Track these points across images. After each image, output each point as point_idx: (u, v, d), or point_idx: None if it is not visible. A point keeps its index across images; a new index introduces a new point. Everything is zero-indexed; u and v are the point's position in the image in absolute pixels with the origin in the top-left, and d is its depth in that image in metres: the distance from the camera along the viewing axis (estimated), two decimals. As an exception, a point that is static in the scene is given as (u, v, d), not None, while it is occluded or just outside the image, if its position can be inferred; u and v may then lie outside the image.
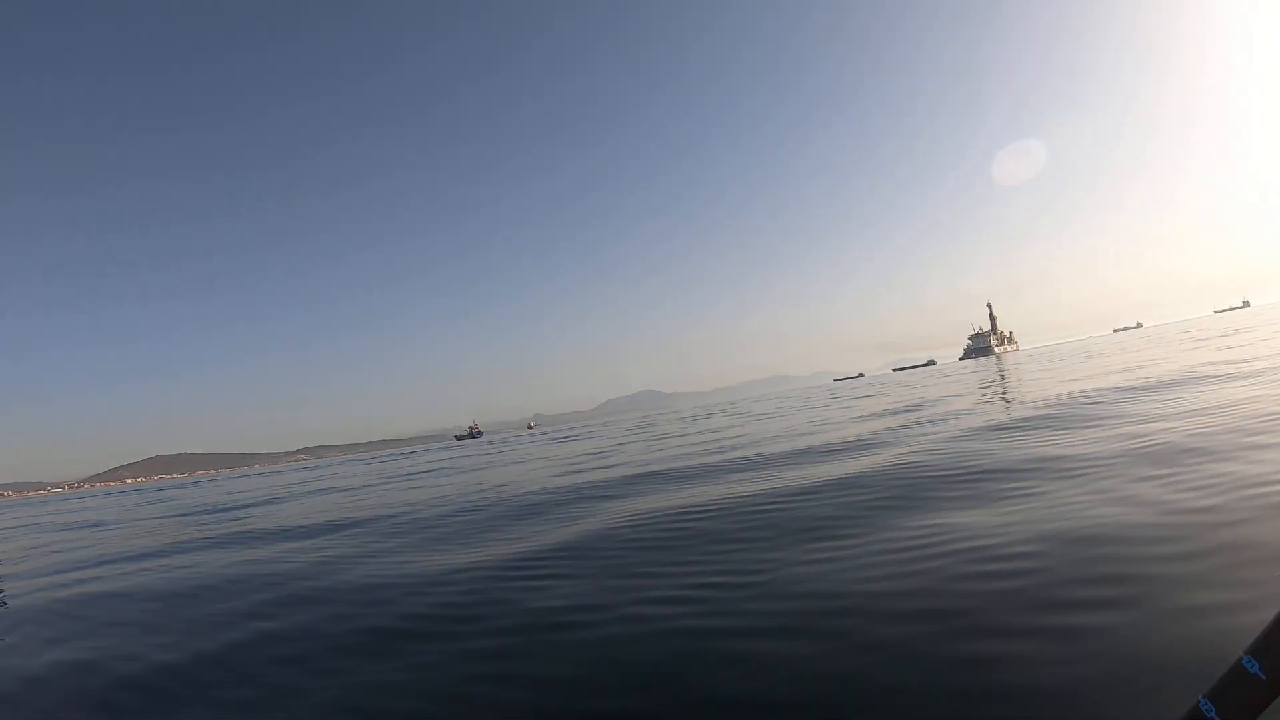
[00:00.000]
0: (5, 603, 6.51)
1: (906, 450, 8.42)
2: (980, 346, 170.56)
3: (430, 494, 12.30)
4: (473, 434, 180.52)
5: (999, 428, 9.60)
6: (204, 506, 18.28)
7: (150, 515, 17.79)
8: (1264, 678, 0.58)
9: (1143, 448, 6.33)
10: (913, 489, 5.89)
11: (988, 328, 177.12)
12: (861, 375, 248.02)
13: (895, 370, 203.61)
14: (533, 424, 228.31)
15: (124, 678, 3.65)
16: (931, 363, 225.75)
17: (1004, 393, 17.69)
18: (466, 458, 27.92)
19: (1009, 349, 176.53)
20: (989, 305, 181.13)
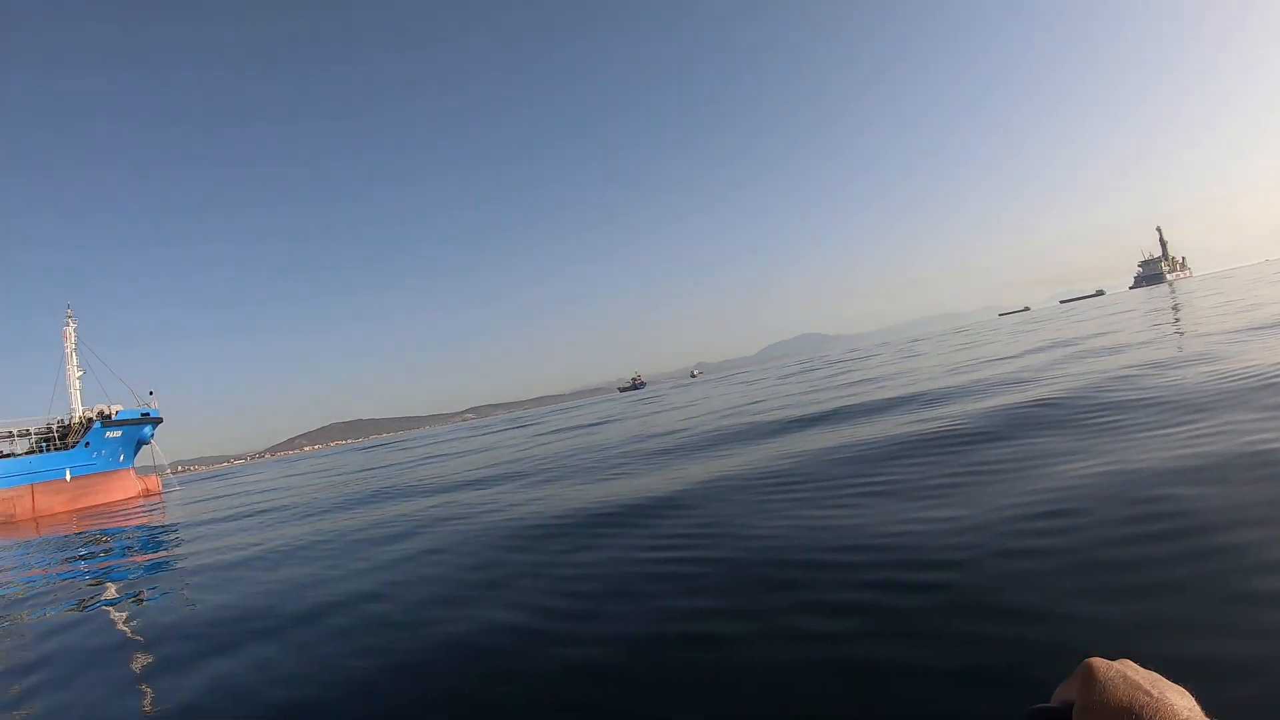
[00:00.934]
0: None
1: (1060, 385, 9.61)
2: (1151, 274, 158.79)
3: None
4: (635, 385, 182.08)
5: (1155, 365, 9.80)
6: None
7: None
8: None
9: None
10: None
11: (1159, 254, 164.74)
12: (1027, 309, 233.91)
13: (1062, 303, 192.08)
14: (696, 372, 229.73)
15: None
16: (1100, 293, 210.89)
17: (1173, 325, 17.54)
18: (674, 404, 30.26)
19: (1182, 276, 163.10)
20: (1159, 230, 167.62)
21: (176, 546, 10.60)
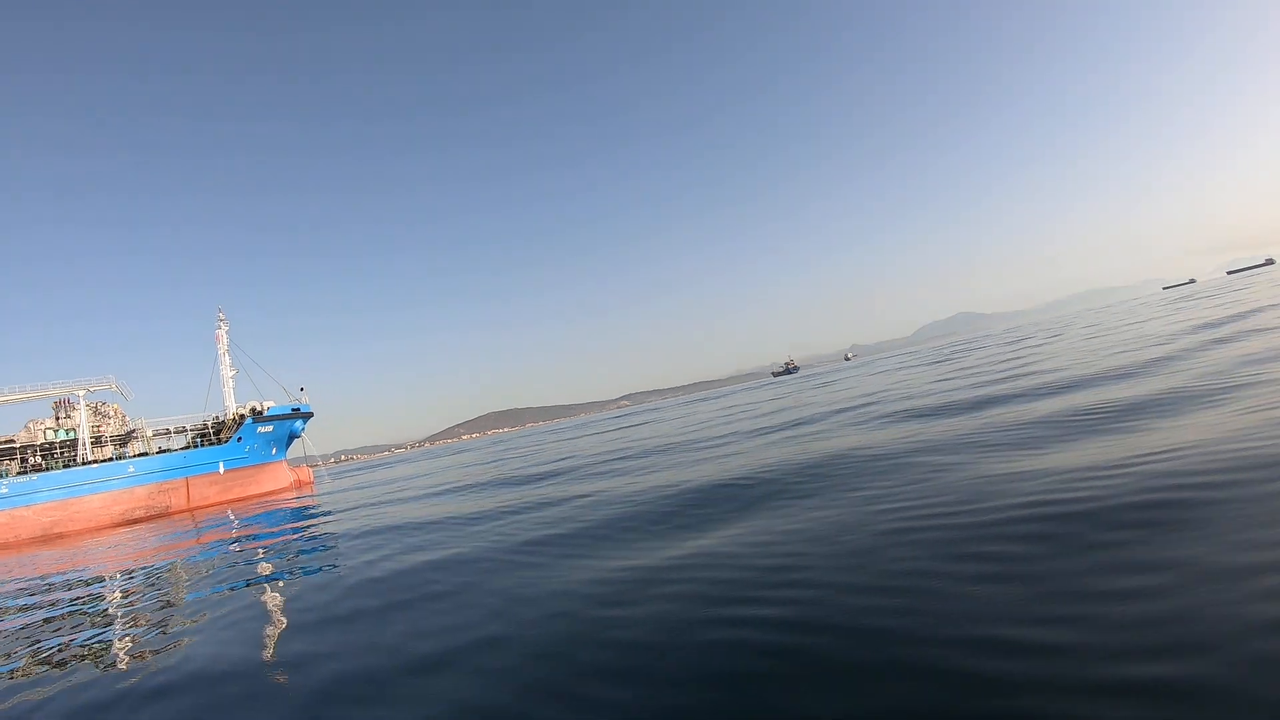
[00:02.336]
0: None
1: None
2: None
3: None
4: (789, 369, 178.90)
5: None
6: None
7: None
8: None
9: None
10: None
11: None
12: (1193, 281, 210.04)
13: (1229, 273, 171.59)
14: (850, 355, 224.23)
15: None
16: (1270, 262, 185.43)
17: None
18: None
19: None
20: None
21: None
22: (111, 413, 45.69)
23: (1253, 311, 18.56)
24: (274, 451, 44.59)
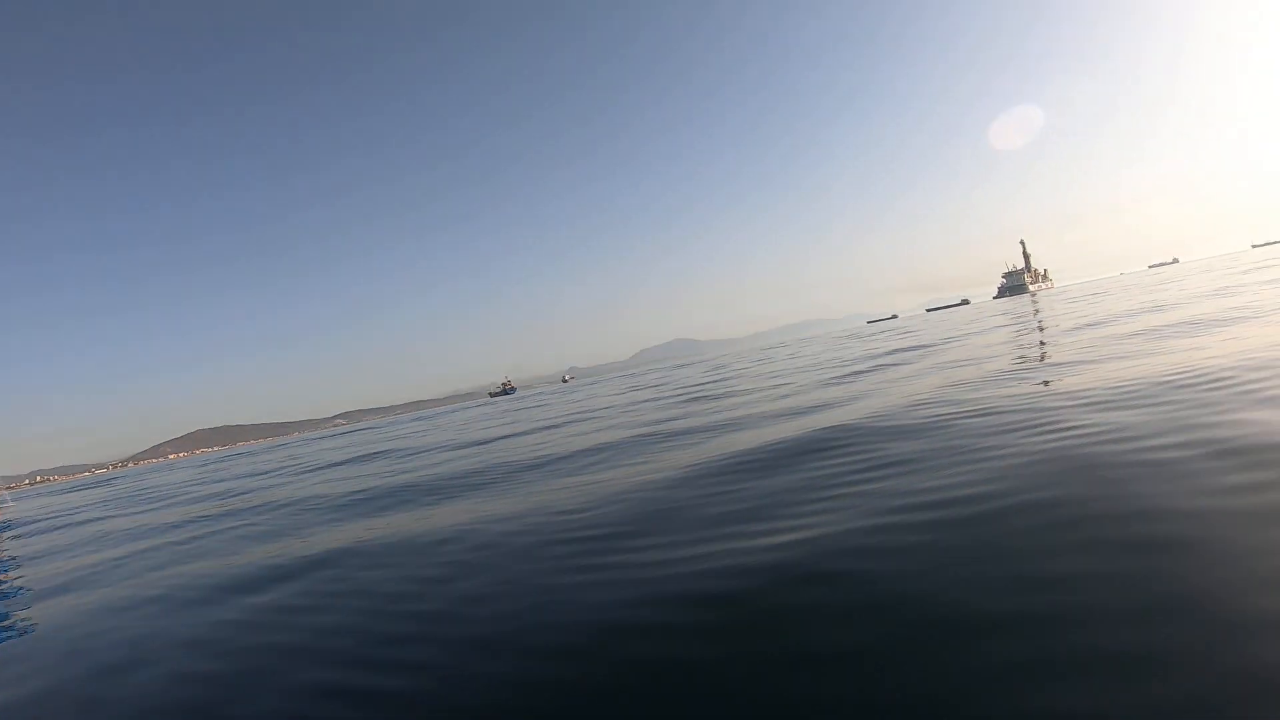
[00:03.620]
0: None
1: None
2: (1014, 285, 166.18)
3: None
4: (506, 391, 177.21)
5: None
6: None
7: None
8: None
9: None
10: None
11: (1022, 265, 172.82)
12: (895, 316, 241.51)
13: (929, 311, 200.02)
14: (568, 377, 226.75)
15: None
16: (965, 302, 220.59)
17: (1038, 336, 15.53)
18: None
19: (1044, 286, 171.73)
20: (1022, 243, 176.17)
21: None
22: None
23: (938, 342, 18.77)
24: None
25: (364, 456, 15.32)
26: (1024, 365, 8.49)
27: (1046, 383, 6.69)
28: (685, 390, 16.93)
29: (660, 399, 15.42)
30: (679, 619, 2.46)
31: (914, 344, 19.31)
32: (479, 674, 2.33)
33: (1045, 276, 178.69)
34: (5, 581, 6.62)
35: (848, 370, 13.39)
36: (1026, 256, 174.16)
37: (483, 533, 4.44)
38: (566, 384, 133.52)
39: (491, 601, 3.05)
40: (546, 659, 2.32)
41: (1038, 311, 26.02)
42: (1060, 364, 8.03)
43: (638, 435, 8.57)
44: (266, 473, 16.48)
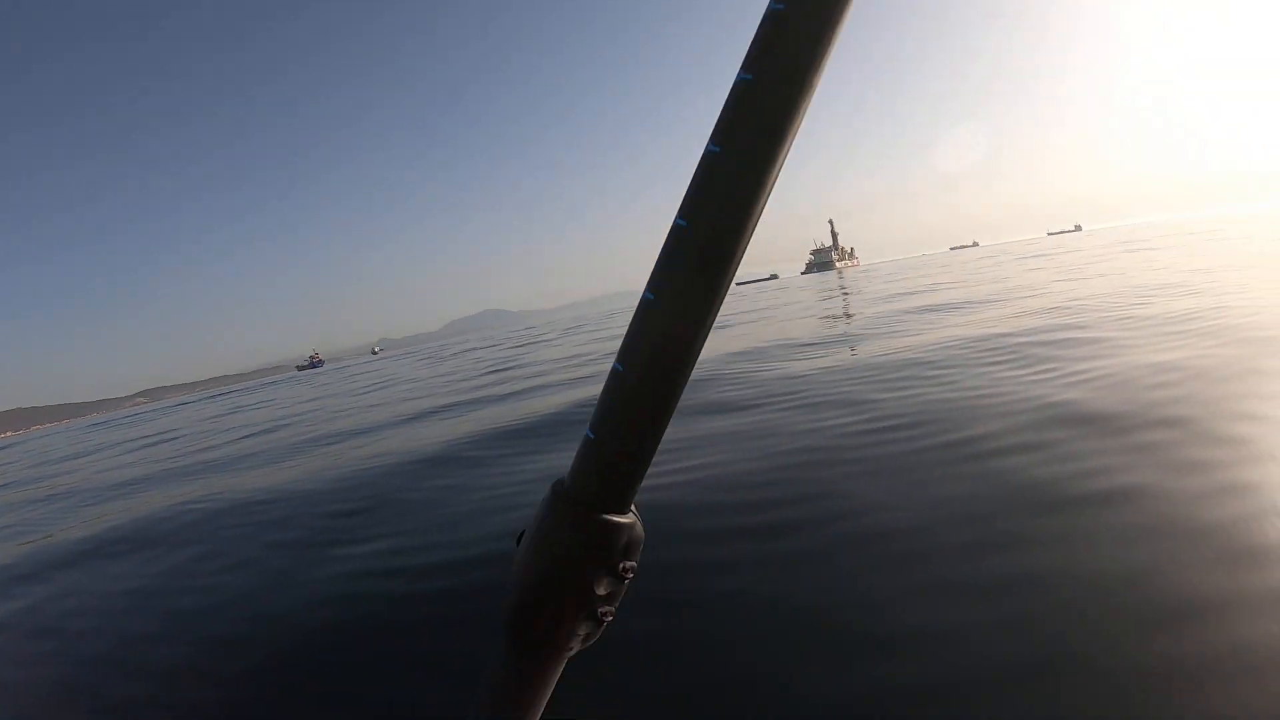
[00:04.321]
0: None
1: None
2: (822, 261, 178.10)
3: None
4: (314, 364, 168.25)
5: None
6: None
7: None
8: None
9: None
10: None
11: (829, 243, 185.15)
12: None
13: (738, 285, 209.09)
14: (377, 349, 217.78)
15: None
16: (774, 277, 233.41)
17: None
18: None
19: (850, 264, 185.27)
20: (830, 222, 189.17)
21: None
22: None
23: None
24: None
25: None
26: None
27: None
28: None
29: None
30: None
31: None
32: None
33: (851, 254, 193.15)
34: None
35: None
36: (835, 235, 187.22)
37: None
38: (376, 355, 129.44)
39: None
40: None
41: (844, 291, 28.44)
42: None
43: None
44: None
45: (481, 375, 14.23)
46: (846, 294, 23.11)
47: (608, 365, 0.48)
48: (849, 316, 13.33)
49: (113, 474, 10.04)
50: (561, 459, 4.50)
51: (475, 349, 33.54)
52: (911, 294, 16.38)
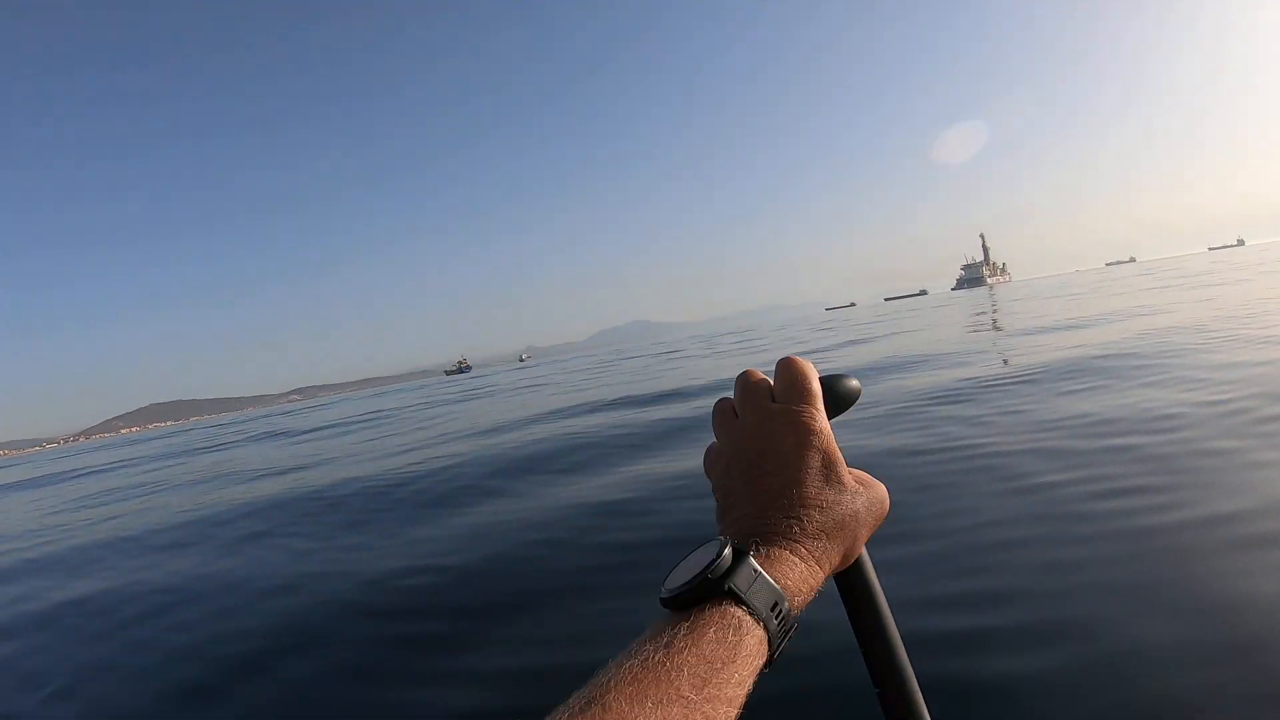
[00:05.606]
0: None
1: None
2: (973, 277, 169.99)
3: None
4: (461, 369, 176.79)
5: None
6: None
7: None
8: None
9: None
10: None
11: (980, 258, 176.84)
12: (854, 305, 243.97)
13: (887, 300, 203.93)
14: (525, 356, 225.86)
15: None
16: (923, 293, 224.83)
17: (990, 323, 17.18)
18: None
19: (1001, 280, 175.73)
20: (981, 236, 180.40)
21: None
22: None
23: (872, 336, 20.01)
24: None
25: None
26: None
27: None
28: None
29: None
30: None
31: (829, 343, 20.29)
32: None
33: (1003, 270, 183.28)
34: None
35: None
36: (986, 250, 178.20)
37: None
38: (523, 363, 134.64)
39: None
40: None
41: (994, 309, 26.91)
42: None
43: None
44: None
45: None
46: (997, 315, 21.47)
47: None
48: (1002, 349, 11.72)
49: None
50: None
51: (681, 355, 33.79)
52: (1080, 324, 13.86)
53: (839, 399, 0.65)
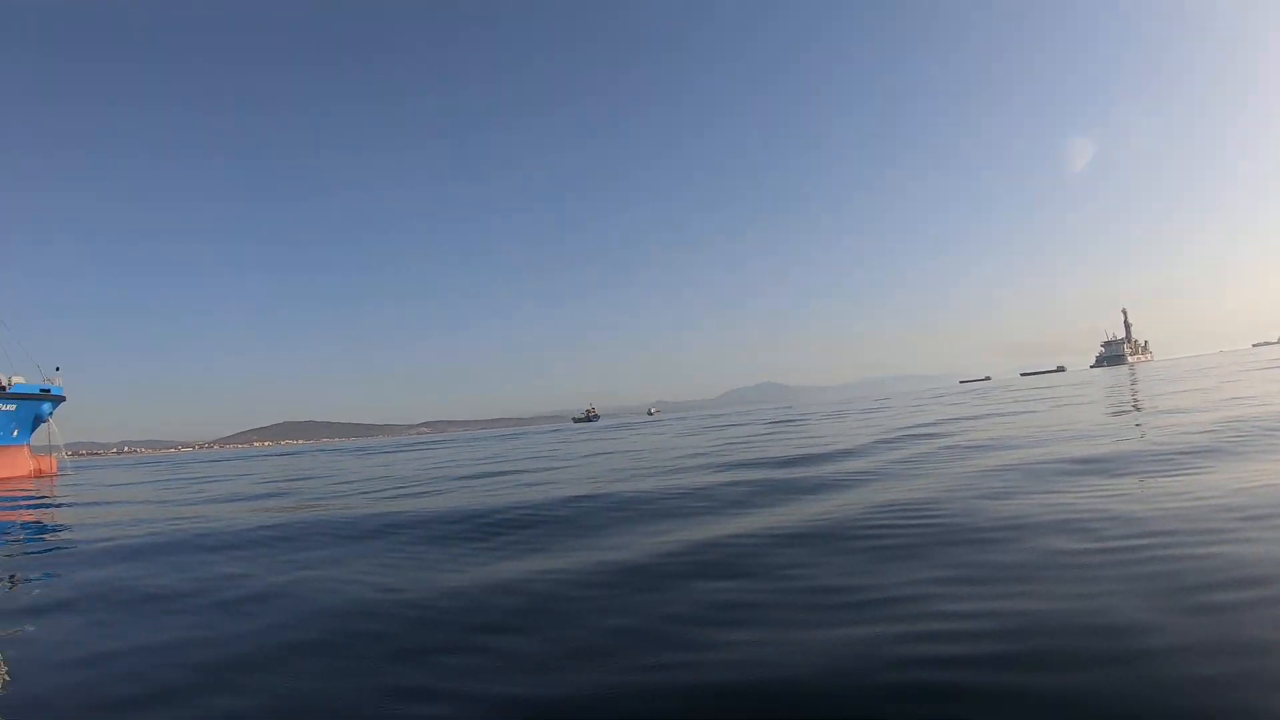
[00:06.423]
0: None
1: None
2: (1113, 354, 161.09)
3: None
4: (589, 418, 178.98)
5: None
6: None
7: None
8: None
9: None
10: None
11: (1122, 335, 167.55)
12: (988, 378, 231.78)
13: (1023, 375, 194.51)
14: (653, 410, 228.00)
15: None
16: (1061, 369, 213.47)
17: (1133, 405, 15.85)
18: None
19: (1143, 359, 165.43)
20: (1124, 311, 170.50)
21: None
22: None
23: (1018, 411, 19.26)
24: (15, 434, 39.94)
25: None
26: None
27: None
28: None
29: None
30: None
31: (968, 414, 19.39)
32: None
33: (1145, 348, 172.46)
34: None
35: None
36: (1128, 326, 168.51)
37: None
38: (652, 417, 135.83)
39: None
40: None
41: (1134, 383, 25.69)
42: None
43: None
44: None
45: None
46: (1139, 395, 20.31)
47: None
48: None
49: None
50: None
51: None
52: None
53: None
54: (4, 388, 39.08)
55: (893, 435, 14.65)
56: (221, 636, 3.90)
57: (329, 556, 6.00)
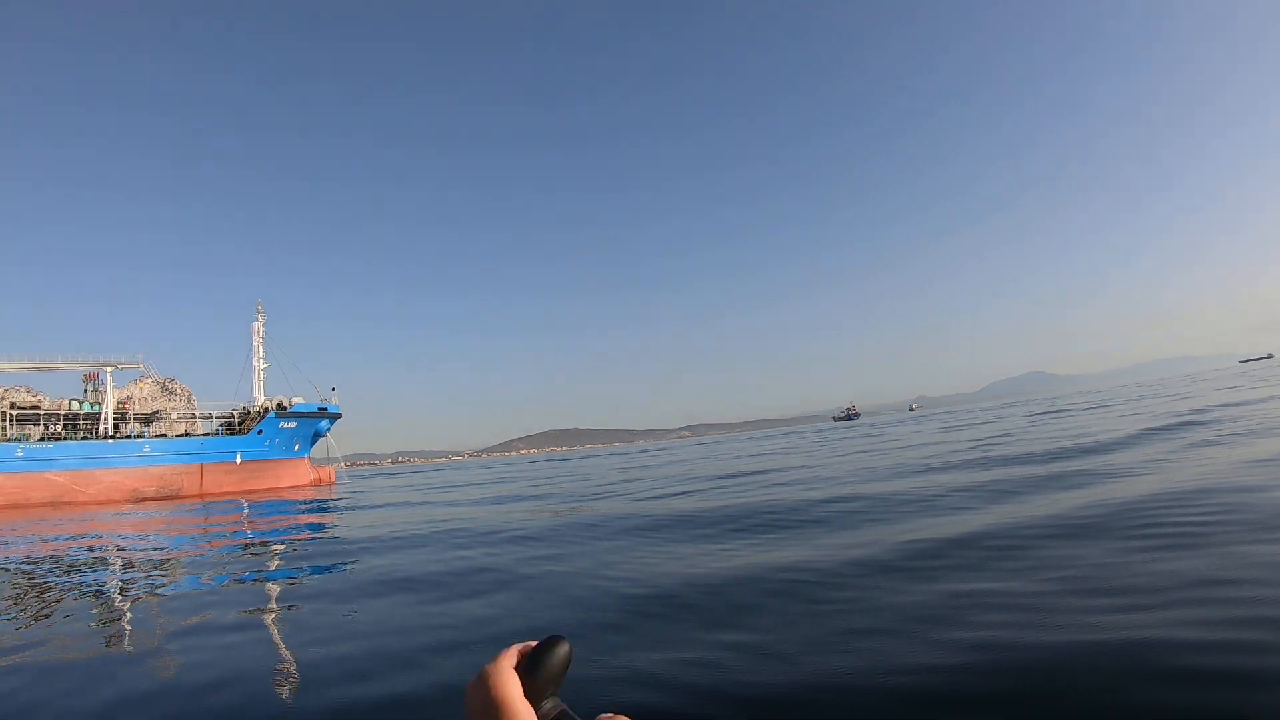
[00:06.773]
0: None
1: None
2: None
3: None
4: (849, 416, 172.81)
5: None
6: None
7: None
8: None
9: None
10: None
11: None
12: (1270, 356, 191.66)
13: (1240, 362, 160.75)
14: (914, 406, 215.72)
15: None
16: (1269, 356, 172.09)
17: None
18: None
19: None
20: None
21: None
22: (178, 390, 47.29)
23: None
24: (296, 448, 43.71)
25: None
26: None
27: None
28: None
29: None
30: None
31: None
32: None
33: None
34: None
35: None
36: None
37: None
38: (913, 413, 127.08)
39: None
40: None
41: None
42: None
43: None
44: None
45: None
46: None
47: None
48: None
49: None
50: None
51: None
52: None
53: (549, 673, 0.70)
54: (285, 408, 42.50)
55: (1162, 424, 14.17)
56: (527, 609, 5.07)
57: (616, 546, 7.31)
